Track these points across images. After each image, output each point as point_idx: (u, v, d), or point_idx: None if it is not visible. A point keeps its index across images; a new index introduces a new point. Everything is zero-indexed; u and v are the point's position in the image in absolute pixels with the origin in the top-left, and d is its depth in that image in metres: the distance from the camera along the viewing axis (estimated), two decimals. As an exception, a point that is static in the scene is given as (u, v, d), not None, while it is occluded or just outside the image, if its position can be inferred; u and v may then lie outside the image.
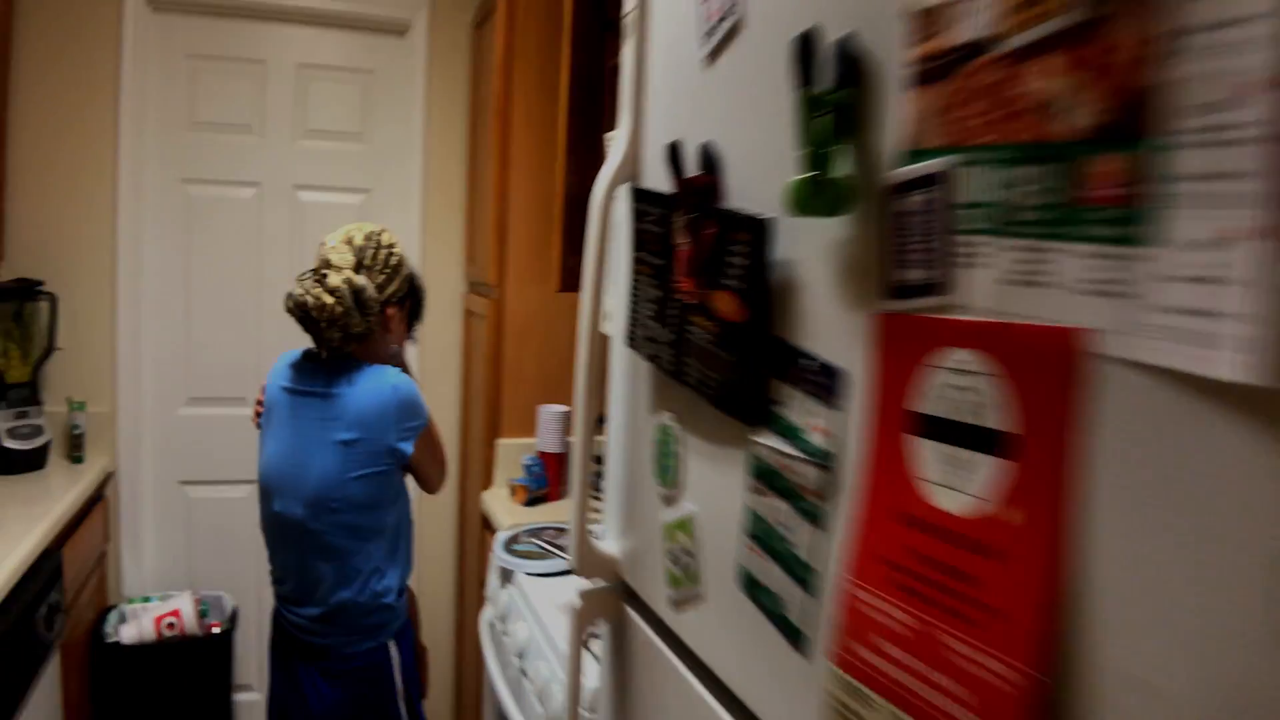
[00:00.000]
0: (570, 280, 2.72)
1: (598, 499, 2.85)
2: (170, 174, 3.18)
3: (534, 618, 2.16)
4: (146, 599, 3.10)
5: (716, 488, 1.00)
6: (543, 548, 2.30)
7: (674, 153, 1.02)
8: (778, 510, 0.89)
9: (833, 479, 0.81)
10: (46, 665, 2.45)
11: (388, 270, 2.02)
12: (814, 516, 0.83)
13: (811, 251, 0.84)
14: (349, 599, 1.99)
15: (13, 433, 2.88)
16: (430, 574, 3.53)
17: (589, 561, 1.24)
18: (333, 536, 1.97)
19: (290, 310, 1.93)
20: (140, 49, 3.05)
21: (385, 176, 3.37)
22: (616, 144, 1.17)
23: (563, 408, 2.82)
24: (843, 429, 0.80)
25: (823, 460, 0.82)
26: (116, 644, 2.89)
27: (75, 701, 2.73)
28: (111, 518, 3.18)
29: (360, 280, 1.93)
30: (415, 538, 3.55)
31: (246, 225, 3.25)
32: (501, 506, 2.78)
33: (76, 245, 3.06)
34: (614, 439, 1.29)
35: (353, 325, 1.92)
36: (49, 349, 2.99)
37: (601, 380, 1.25)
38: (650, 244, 1.09)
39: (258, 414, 2.12)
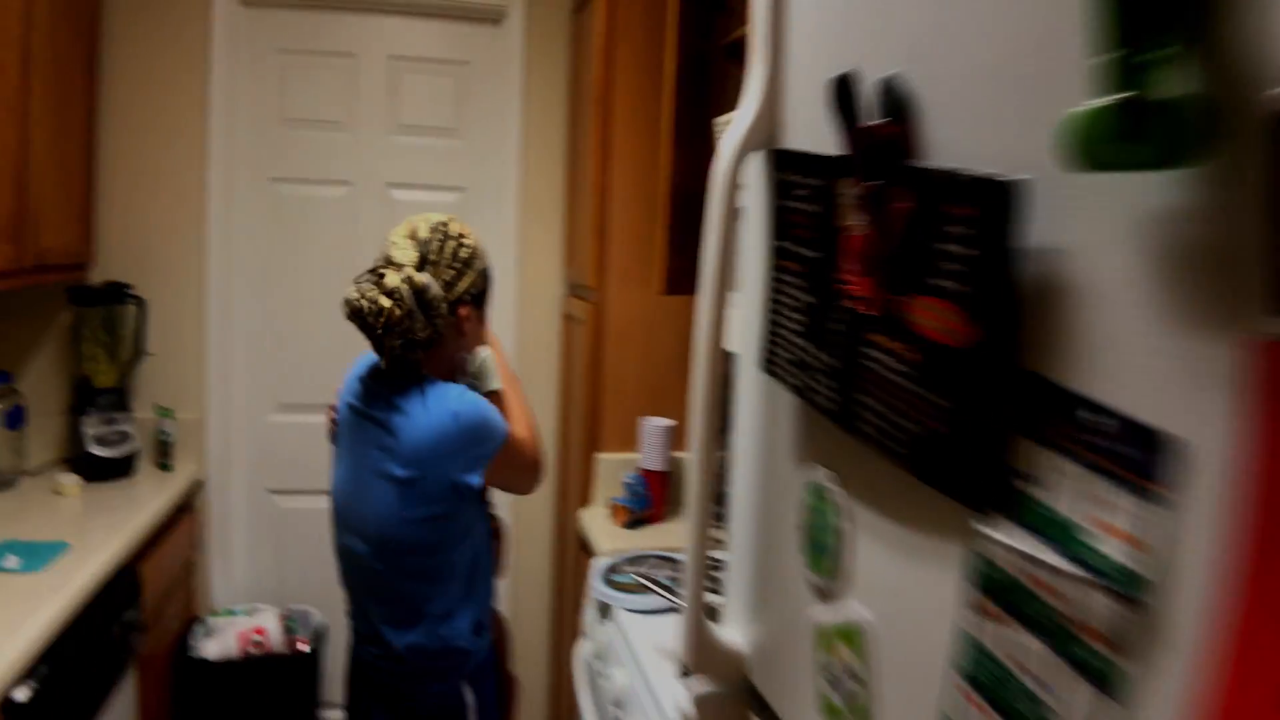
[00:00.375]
0: (677, 282, 2.39)
1: (718, 526, 2.50)
2: (260, 173, 2.93)
3: (634, 663, 1.84)
4: (232, 612, 2.88)
5: (905, 589, 0.65)
6: (644, 583, 1.97)
7: (844, 91, 0.67)
8: (1024, 649, 0.53)
9: (1145, 620, 0.45)
10: (122, 682, 2.24)
11: (457, 265, 1.70)
12: (1101, 675, 0.48)
13: (1106, 231, 0.48)
14: (415, 643, 1.69)
15: (101, 440, 2.68)
16: (525, 594, 3.22)
17: (706, 655, 0.90)
18: (396, 580, 1.68)
19: (348, 317, 1.64)
20: (229, 44, 2.83)
21: (481, 173, 3.09)
22: (748, 93, 0.83)
23: (667, 421, 2.49)
24: (1168, 536, 0.44)
25: (1125, 586, 0.46)
26: (201, 659, 2.67)
27: (155, 718, 2.52)
28: (200, 528, 2.98)
29: (422, 278, 1.62)
30: (511, 553, 3.30)
31: (338, 225, 3.00)
32: (601, 528, 2.46)
33: (165, 247, 2.86)
34: (741, 489, 0.94)
35: (416, 330, 1.61)
36: (138, 354, 2.79)
37: (723, 412, 0.91)
38: (800, 228, 0.74)
39: (332, 421, 1.84)
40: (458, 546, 1.67)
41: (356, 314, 1.60)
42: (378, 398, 1.67)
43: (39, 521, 2.33)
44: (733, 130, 0.82)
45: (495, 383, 1.91)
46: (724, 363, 0.85)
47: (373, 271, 1.63)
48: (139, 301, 2.76)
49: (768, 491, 0.87)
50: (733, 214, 0.81)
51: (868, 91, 0.66)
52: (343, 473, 1.74)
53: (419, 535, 1.63)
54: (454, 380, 1.69)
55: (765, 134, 0.84)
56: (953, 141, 0.59)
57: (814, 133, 0.75)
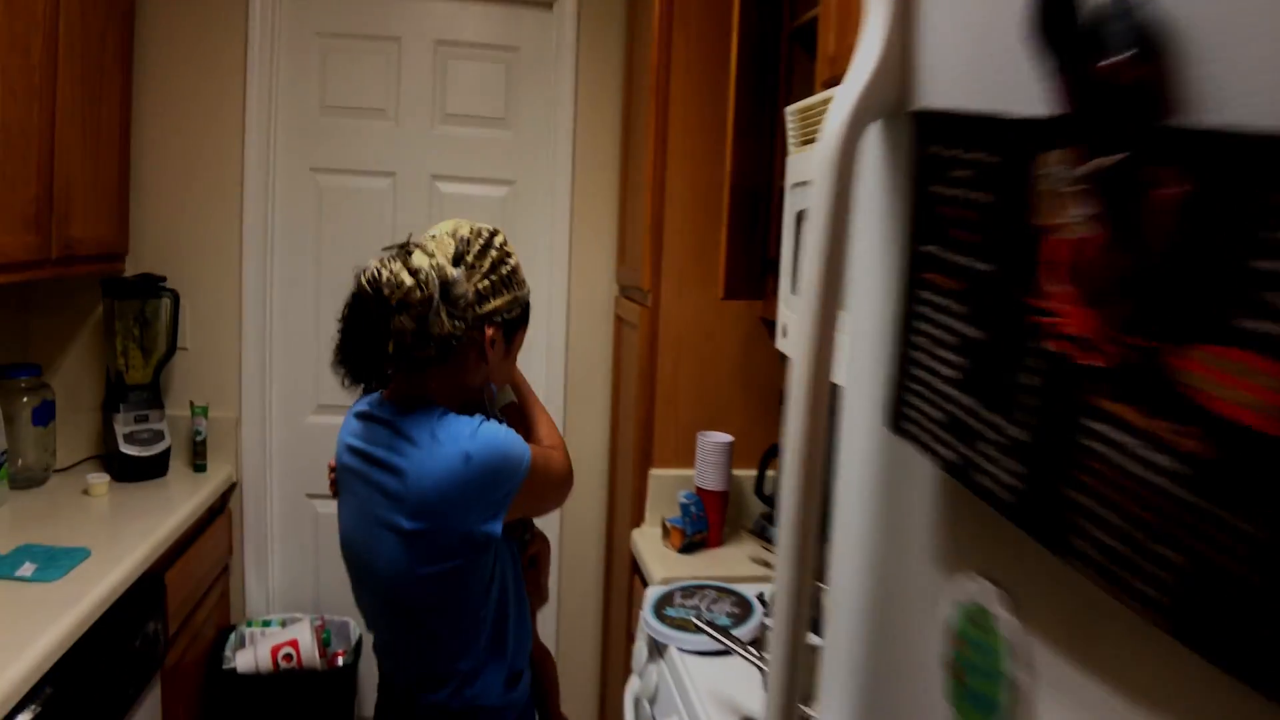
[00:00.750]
0: (739, 286, 2.14)
1: (767, 547, 2.23)
2: (300, 163, 2.72)
3: (690, 713, 1.60)
4: (266, 623, 2.70)
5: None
6: (700, 624, 1.73)
7: (1059, 11, 0.42)
8: None
9: None
10: (144, 697, 2.07)
11: (494, 277, 1.45)
12: None
13: None
14: (439, 703, 1.45)
15: (131, 438, 2.51)
16: (571, 619, 2.98)
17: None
18: (413, 640, 1.45)
19: (358, 291, 1.37)
20: (269, 28, 2.64)
21: (531, 165, 2.86)
22: (867, 35, 0.58)
23: (725, 437, 2.24)
24: None
25: None
26: (232, 671, 2.49)
27: (182, 733, 2.35)
28: (235, 531, 2.80)
29: (453, 272, 1.39)
30: (558, 573, 3.06)
31: (381, 218, 2.79)
32: (653, 551, 2.22)
33: (201, 239, 2.68)
34: (845, 580, 0.69)
35: (432, 323, 1.35)
36: (171, 349, 2.62)
37: (825, 462, 0.65)
38: (961, 227, 0.50)
39: (333, 480, 1.59)
40: (481, 602, 1.42)
41: (372, 284, 1.34)
42: (381, 433, 1.41)
43: (63, 524, 2.17)
44: (846, 90, 0.58)
45: (510, 395, 1.67)
46: (832, 402, 0.60)
47: (401, 247, 1.41)
48: (173, 295, 2.59)
49: (887, 595, 0.62)
50: (845, 205, 0.57)
51: (1090, 15, 0.41)
52: (347, 521, 1.49)
53: (433, 593, 1.38)
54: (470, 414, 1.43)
55: (892, 94, 0.59)
56: (1251, 91, 0.35)
57: (977, 87, 0.50)
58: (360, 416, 1.48)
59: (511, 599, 1.48)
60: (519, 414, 1.65)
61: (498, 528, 1.37)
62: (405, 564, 1.36)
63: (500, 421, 1.43)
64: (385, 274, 1.34)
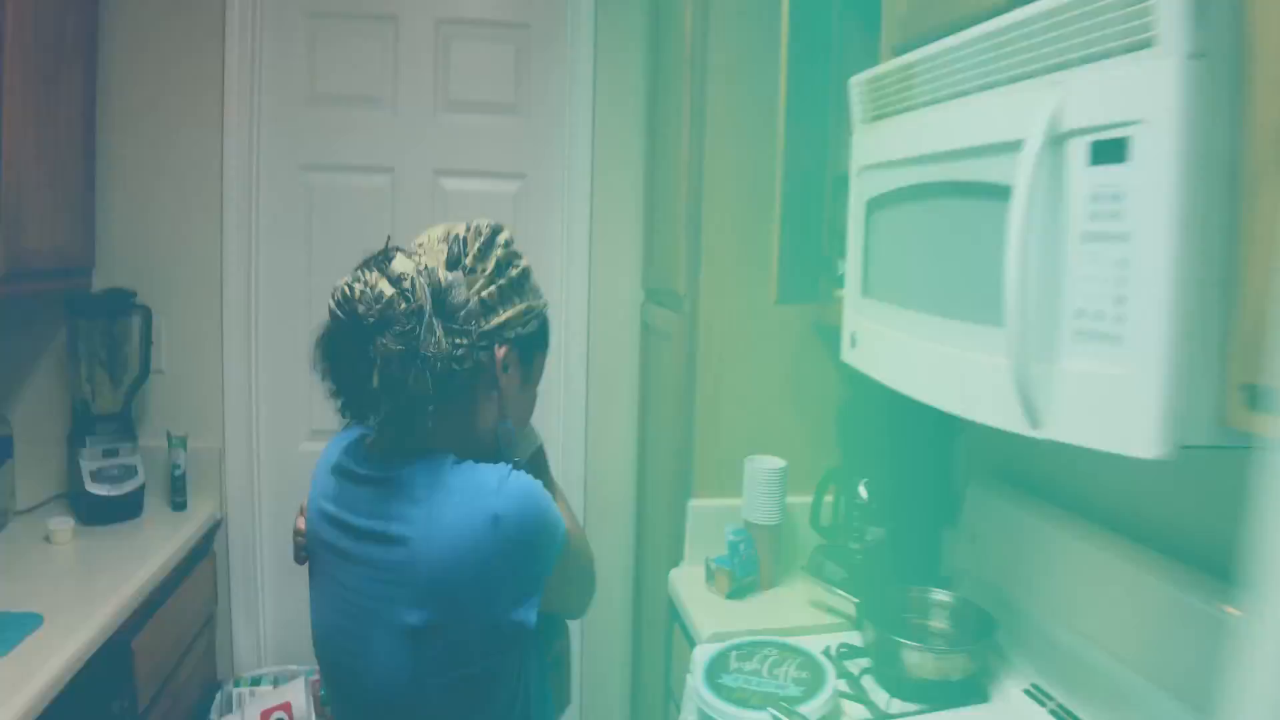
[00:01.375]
0: (794, 288, 1.84)
1: (828, 590, 1.88)
2: (287, 159, 2.48)
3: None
4: (256, 681, 2.39)
5: None
6: (774, 713, 1.42)
7: None
8: None
9: None
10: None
11: (504, 281, 1.14)
12: None
13: None
14: None
15: (99, 475, 2.22)
16: (597, 676, 2.68)
17: None
18: None
19: (331, 312, 1.07)
20: (249, 9, 2.38)
21: (545, 157, 2.58)
22: None
23: (777, 462, 1.93)
24: None
25: None
26: (217, 739, 2.20)
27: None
28: (220, 575, 2.50)
29: (448, 276, 1.09)
30: (584, 626, 2.66)
31: (379, 219, 2.51)
32: (697, 597, 1.90)
33: (177, 248, 2.40)
34: None
35: (424, 342, 1.04)
36: (144, 373, 2.33)
37: None
38: None
39: (299, 545, 1.25)
40: (505, 717, 1.11)
41: (343, 304, 1.04)
42: (366, 496, 1.10)
43: (17, 580, 1.89)
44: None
45: (538, 438, 1.33)
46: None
47: (378, 255, 1.11)
48: (145, 312, 2.32)
49: None
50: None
51: None
52: (324, 613, 1.17)
53: (446, 710, 1.06)
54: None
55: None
56: None
57: None
58: (338, 473, 1.15)
59: (535, 708, 1.16)
60: (546, 467, 1.33)
61: (532, 615, 1.05)
62: (409, 673, 1.04)
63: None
64: (359, 288, 1.04)
